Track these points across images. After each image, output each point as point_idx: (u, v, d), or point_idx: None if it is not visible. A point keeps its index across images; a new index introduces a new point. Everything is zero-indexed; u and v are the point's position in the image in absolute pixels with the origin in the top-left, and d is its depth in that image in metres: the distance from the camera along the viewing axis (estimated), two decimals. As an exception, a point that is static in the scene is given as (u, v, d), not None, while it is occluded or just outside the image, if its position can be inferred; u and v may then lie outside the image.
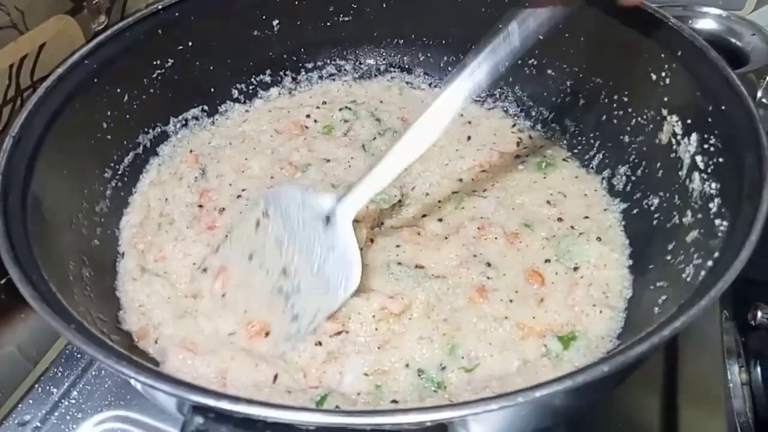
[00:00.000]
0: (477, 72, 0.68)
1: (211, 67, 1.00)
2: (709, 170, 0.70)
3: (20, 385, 0.85)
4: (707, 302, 0.52)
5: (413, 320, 0.74)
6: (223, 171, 0.93)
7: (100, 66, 0.83)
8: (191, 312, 0.76)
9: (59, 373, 0.83)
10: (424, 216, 0.88)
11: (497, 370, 0.69)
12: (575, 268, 0.79)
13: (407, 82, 1.11)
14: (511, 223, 0.85)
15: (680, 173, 0.75)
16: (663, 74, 0.78)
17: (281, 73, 1.08)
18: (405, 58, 1.11)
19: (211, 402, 0.47)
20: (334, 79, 1.11)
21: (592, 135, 0.93)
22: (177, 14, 0.92)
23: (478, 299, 0.75)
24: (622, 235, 0.83)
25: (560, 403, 0.54)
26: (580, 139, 0.95)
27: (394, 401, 0.67)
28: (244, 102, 1.06)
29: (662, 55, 0.77)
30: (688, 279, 0.64)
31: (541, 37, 0.79)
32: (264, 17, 1.01)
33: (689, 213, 0.71)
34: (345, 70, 1.11)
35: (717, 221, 0.65)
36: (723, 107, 0.69)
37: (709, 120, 0.71)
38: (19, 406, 0.81)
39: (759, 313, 0.91)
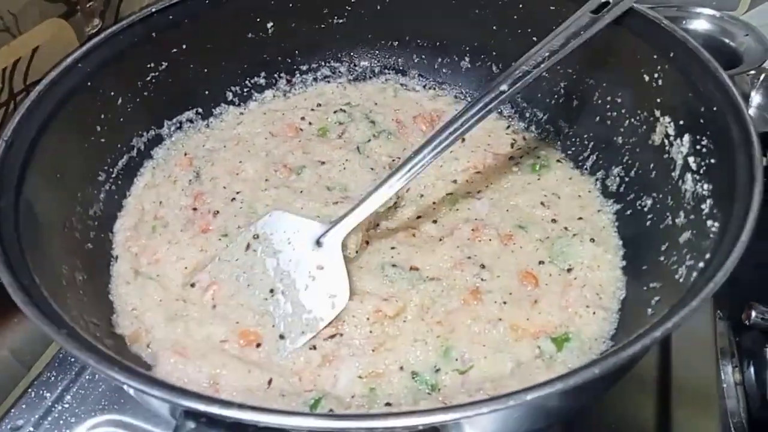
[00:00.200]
0: (470, 122, 0.75)
1: (205, 70, 1.00)
2: (701, 171, 0.71)
3: (13, 390, 0.85)
4: (698, 304, 0.52)
5: (407, 322, 0.74)
6: (218, 174, 0.93)
7: (93, 69, 0.83)
8: (182, 315, 0.76)
9: (53, 378, 0.83)
10: (419, 217, 0.88)
11: (491, 371, 0.69)
12: (569, 270, 0.79)
13: (402, 84, 1.11)
14: (505, 224, 0.85)
15: (673, 174, 0.75)
16: (656, 75, 0.78)
17: (276, 75, 1.08)
18: (399, 59, 1.11)
19: (202, 407, 0.47)
20: (328, 81, 1.11)
21: (585, 136, 0.93)
22: (171, 17, 0.92)
23: (472, 301, 0.76)
24: (615, 236, 0.83)
25: (553, 405, 0.54)
26: (573, 141, 0.95)
27: (388, 404, 0.67)
28: (239, 104, 1.06)
29: (654, 57, 0.78)
30: (681, 280, 0.65)
31: (535, 38, 0.80)
32: (258, 19, 1.01)
33: (682, 214, 0.72)
34: (339, 72, 1.11)
35: (709, 222, 0.65)
36: (715, 108, 0.69)
37: (702, 121, 0.71)
38: (13, 410, 0.80)
39: (753, 313, 0.91)
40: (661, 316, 0.53)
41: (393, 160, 0.97)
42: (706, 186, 0.69)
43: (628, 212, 0.84)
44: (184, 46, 0.95)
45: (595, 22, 0.77)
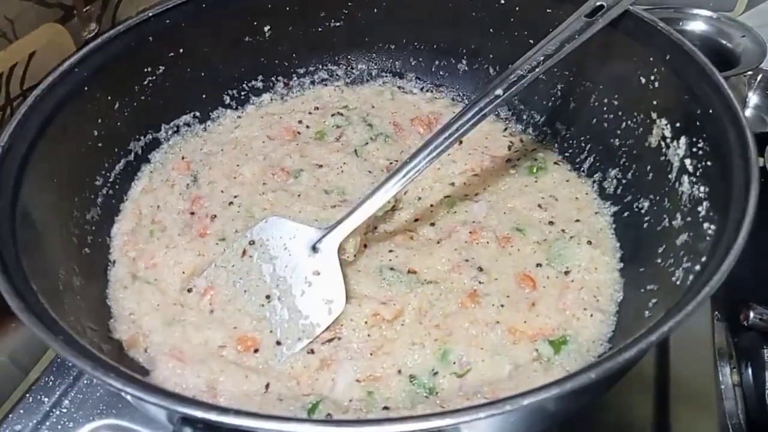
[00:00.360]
0: (466, 126, 0.76)
1: (203, 74, 1.00)
2: (697, 173, 0.71)
3: (11, 395, 0.85)
4: (694, 307, 0.52)
5: (405, 326, 0.74)
6: (215, 178, 0.93)
7: (90, 74, 0.82)
8: (180, 320, 0.76)
9: (51, 383, 0.83)
10: (416, 220, 0.88)
11: (489, 375, 0.69)
12: (566, 272, 0.79)
13: (399, 87, 1.11)
14: (502, 227, 0.85)
15: (670, 176, 0.75)
16: (652, 78, 0.79)
17: (273, 78, 1.08)
18: (396, 62, 1.11)
19: (199, 413, 0.47)
20: (326, 85, 1.11)
21: (582, 138, 0.93)
22: (168, 21, 0.92)
23: (469, 304, 0.76)
24: (612, 238, 0.83)
25: (550, 409, 0.55)
26: (571, 143, 0.95)
27: (386, 408, 0.67)
28: (236, 108, 1.06)
29: (651, 59, 0.78)
30: (678, 282, 0.65)
31: (531, 41, 0.80)
32: (255, 23, 1.01)
33: (679, 216, 0.72)
34: (337, 75, 1.11)
35: (705, 225, 0.65)
36: (711, 111, 0.69)
37: (698, 123, 0.71)
38: (11, 415, 0.80)
39: (751, 314, 0.91)
40: (658, 320, 0.53)
41: (391, 163, 0.97)
42: (702, 188, 0.69)
43: (626, 214, 0.84)
44: (180, 50, 0.95)
45: (590, 26, 0.77)
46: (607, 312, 0.75)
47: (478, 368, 0.69)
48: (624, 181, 0.85)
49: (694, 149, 0.72)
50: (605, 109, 0.88)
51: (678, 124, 0.75)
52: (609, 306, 0.76)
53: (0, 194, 0.67)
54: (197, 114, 1.02)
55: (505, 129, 1.03)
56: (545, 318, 0.74)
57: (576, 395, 0.49)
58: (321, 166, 0.95)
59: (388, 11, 1.04)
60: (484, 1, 0.97)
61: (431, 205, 0.90)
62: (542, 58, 0.77)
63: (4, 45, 0.87)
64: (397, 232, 0.86)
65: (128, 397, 0.56)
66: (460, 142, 0.98)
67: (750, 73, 1.21)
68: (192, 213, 0.89)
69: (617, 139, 0.87)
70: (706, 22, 1.27)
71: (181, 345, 0.72)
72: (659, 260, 0.71)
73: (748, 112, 1.30)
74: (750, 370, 0.86)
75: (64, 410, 0.80)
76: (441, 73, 1.09)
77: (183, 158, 0.97)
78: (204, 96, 1.02)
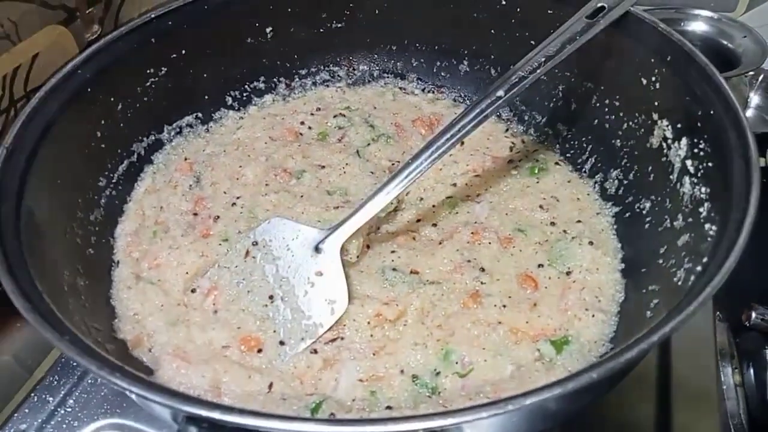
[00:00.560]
0: (467, 127, 0.76)
1: (205, 75, 1.00)
2: (699, 174, 0.71)
3: (16, 395, 0.86)
4: (695, 308, 0.52)
5: (408, 326, 0.74)
6: (218, 178, 0.94)
7: (93, 75, 0.83)
8: (184, 320, 0.76)
9: (55, 382, 0.83)
10: (418, 221, 0.89)
11: (491, 375, 0.69)
12: (568, 273, 0.79)
13: (401, 88, 1.11)
14: (504, 227, 0.85)
15: (671, 177, 0.76)
16: (653, 79, 0.79)
17: (275, 79, 1.09)
18: (398, 63, 1.11)
19: (203, 412, 0.47)
20: (327, 86, 1.11)
21: (584, 139, 0.94)
22: (170, 23, 0.92)
23: (471, 304, 0.76)
24: (614, 238, 0.84)
25: (552, 409, 0.55)
26: (572, 144, 0.96)
27: (389, 407, 0.67)
28: (239, 109, 1.07)
29: (651, 60, 0.78)
30: (679, 283, 0.65)
31: (533, 42, 0.80)
32: (257, 24, 1.02)
33: (680, 217, 0.72)
34: (338, 76, 1.12)
35: (707, 225, 0.65)
36: (712, 112, 0.69)
37: (699, 125, 0.71)
38: (15, 415, 0.81)
39: (753, 314, 0.91)
40: (660, 320, 0.54)
41: (393, 164, 0.97)
42: (703, 189, 0.69)
43: (627, 215, 0.84)
44: (183, 52, 0.95)
45: (591, 27, 0.78)
46: (608, 312, 0.75)
47: (480, 368, 0.70)
48: (625, 182, 0.86)
49: (696, 150, 0.72)
50: (606, 110, 0.89)
51: (679, 125, 0.75)
52: (610, 306, 0.76)
53: (4, 196, 0.67)
54: (200, 115, 1.03)
55: (507, 130, 1.03)
56: (547, 318, 0.74)
57: (578, 395, 0.49)
58: (323, 167, 0.95)
59: (390, 12, 1.05)
60: (486, 3, 0.97)
61: (433, 206, 0.90)
62: (543, 59, 0.77)
63: (8, 47, 0.87)
64: (400, 233, 0.86)
65: (133, 397, 0.56)
66: (462, 143, 0.98)
67: (751, 73, 1.21)
68: (195, 214, 0.89)
69: (618, 140, 0.87)
70: (707, 22, 1.27)
71: (185, 345, 0.73)
72: (661, 261, 0.71)
73: (750, 113, 1.30)
74: (752, 371, 0.86)
75: (69, 409, 0.81)
76: (442, 74, 1.10)
77: (186, 159, 0.98)
78: (206, 97, 1.03)
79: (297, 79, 1.10)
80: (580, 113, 0.94)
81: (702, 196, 0.69)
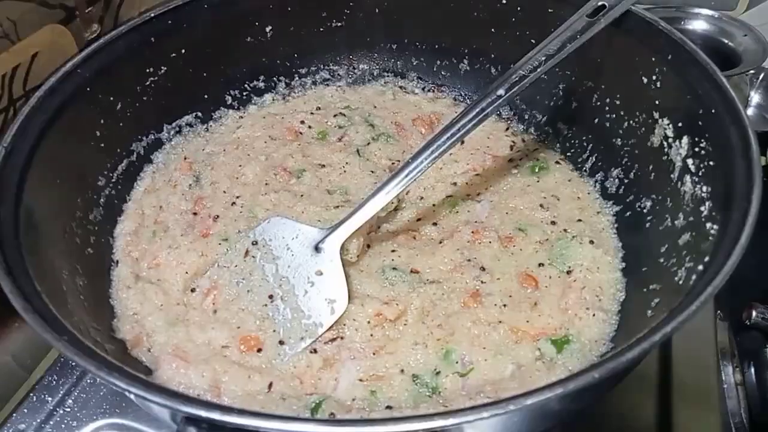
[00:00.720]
0: (467, 126, 0.76)
1: (205, 74, 1.00)
2: (700, 173, 0.71)
3: (15, 394, 0.85)
4: (697, 307, 0.52)
5: (408, 326, 0.74)
6: (218, 178, 0.93)
7: (92, 75, 0.83)
8: (183, 320, 0.76)
9: (54, 382, 0.83)
10: (419, 220, 0.88)
11: (491, 374, 0.69)
12: (568, 272, 0.79)
13: (401, 87, 1.11)
14: (504, 227, 0.85)
15: (672, 176, 0.75)
16: (654, 77, 0.79)
17: (275, 78, 1.08)
18: (398, 62, 1.11)
19: (202, 413, 0.47)
20: (327, 85, 1.11)
21: (584, 138, 0.93)
22: (169, 22, 0.92)
23: (472, 304, 0.76)
24: (615, 237, 0.83)
25: (553, 408, 0.55)
26: (573, 142, 0.95)
27: (389, 407, 0.67)
28: (238, 108, 1.06)
29: (653, 59, 0.78)
30: (680, 282, 0.65)
31: (533, 41, 0.80)
32: (257, 23, 1.02)
33: (681, 216, 0.72)
34: (338, 75, 1.12)
35: (708, 224, 0.65)
36: (713, 111, 0.69)
37: (700, 123, 0.71)
38: (14, 415, 0.81)
39: (753, 313, 0.91)
40: (661, 320, 0.53)
41: (393, 163, 0.97)
42: (705, 188, 0.69)
43: (628, 214, 0.84)
44: (183, 51, 0.95)
45: (592, 25, 0.77)
46: (609, 311, 0.75)
47: (481, 368, 0.69)
48: (626, 181, 0.85)
49: (697, 149, 0.72)
50: (607, 108, 0.88)
51: (680, 124, 0.75)
52: (611, 305, 0.76)
53: (3, 195, 0.67)
54: (199, 114, 1.02)
55: (507, 129, 1.03)
56: (547, 317, 0.74)
57: (579, 395, 0.49)
58: (323, 166, 0.95)
59: (390, 11, 1.05)
60: (486, 1, 0.97)
61: (433, 205, 0.90)
62: (544, 57, 0.77)
63: (7, 46, 0.87)
64: (400, 232, 0.86)
65: (132, 397, 0.56)
66: (462, 142, 0.98)
67: (752, 72, 1.21)
68: (195, 213, 0.89)
69: (619, 139, 0.87)
70: (708, 21, 1.27)
71: (184, 345, 0.72)
72: (662, 260, 0.71)
73: (750, 111, 1.30)
74: (752, 369, 0.86)
75: (68, 409, 0.81)
76: (443, 73, 1.10)
77: (185, 159, 0.97)
78: (206, 96, 1.02)
79: (297, 78, 1.10)
80: (581, 112, 0.93)
81: (703, 194, 0.69)
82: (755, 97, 1.31)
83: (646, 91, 0.80)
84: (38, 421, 0.80)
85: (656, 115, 0.79)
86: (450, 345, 0.71)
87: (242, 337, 0.73)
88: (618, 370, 0.49)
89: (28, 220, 0.68)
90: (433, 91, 1.11)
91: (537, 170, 0.94)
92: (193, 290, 0.79)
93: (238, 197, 0.90)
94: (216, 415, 0.47)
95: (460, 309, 0.75)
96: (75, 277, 0.73)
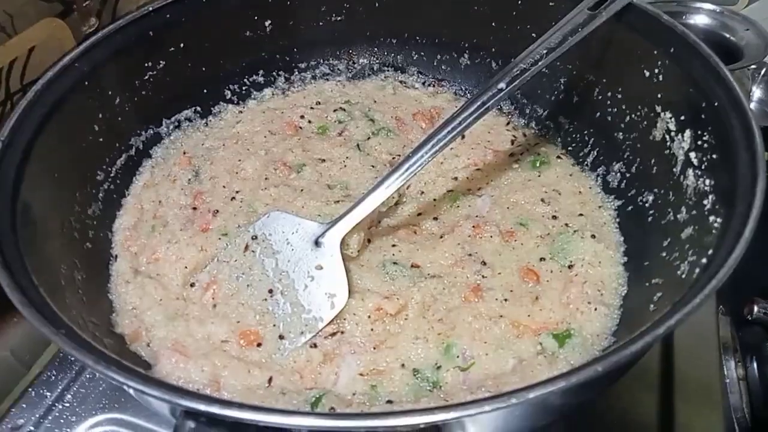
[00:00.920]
0: (468, 120, 0.75)
1: (204, 68, 0.99)
2: (703, 167, 0.70)
3: (14, 390, 0.85)
4: (700, 301, 0.51)
5: (409, 320, 0.74)
6: (217, 173, 0.93)
7: (90, 69, 0.82)
8: (183, 314, 0.75)
9: (53, 377, 0.83)
10: (419, 215, 0.88)
11: (492, 368, 0.69)
12: (570, 266, 0.79)
13: (401, 81, 1.11)
14: (506, 221, 0.85)
15: (674, 170, 0.75)
16: (656, 71, 0.78)
17: (274, 73, 1.08)
18: (398, 57, 1.10)
19: (201, 407, 0.46)
20: (327, 79, 1.11)
21: (586, 132, 0.93)
22: (168, 16, 0.91)
23: (473, 298, 0.75)
24: (616, 232, 0.83)
25: (555, 402, 0.54)
26: (574, 137, 0.95)
27: (390, 401, 0.66)
28: (238, 103, 1.06)
29: (655, 52, 0.77)
30: (683, 276, 0.64)
31: (534, 34, 0.79)
32: (256, 17, 1.01)
33: (684, 210, 0.71)
34: (338, 69, 1.11)
35: (711, 218, 0.65)
36: (716, 104, 0.68)
37: (703, 116, 0.71)
38: (13, 410, 0.80)
39: (755, 308, 0.91)
40: (664, 313, 0.53)
41: (393, 158, 0.96)
42: (708, 182, 0.69)
43: (630, 208, 0.83)
44: (181, 45, 0.94)
45: (593, 19, 0.77)
46: (611, 306, 0.74)
47: (482, 362, 0.69)
48: (628, 175, 0.85)
49: (699, 142, 0.71)
50: (609, 102, 0.88)
51: (683, 117, 0.74)
52: (613, 300, 0.75)
53: (1, 189, 0.66)
54: (198, 109, 1.02)
55: (508, 123, 1.02)
56: (549, 312, 0.74)
57: (581, 389, 0.49)
58: (323, 160, 0.95)
59: (389, 5, 1.04)
60: (486, -6, 0.97)
61: (434, 200, 0.90)
62: (545, 51, 0.76)
63: (4, 40, 0.86)
64: (400, 227, 0.86)
65: (131, 391, 0.56)
66: (463, 137, 0.97)
67: (754, 66, 1.20)
68: (194, 208, 0.88)
69: (621, 133, 0.86)
70: (710, 15, 1.26)
71: (183, 339, 0.72)
72: (664, 254, 0.71)
73: (752, 106, 1.29)
74: (755, 364, 0.85)
75: (67, 404, 0.80)
76: (443, 67, 1.09)
77: (184, 153, 0.97)
78: (205, 91, 1.02)
79: (296, 73, 1.09)
80: (582, 106, 0.93)
81: (706, 188, 0.68)
82: (757, 92, 1.30)
83: (648, 84, 0.79)
84: (37, 416, 0.80)
85: (658, 108, 0.79)
86: (451, 339, 0.71)
87: (242, 332, 0.73)
88: (621, 364, 0.48)
89: (26, 214, 0.68)
90: (434, 85, 1.10)
91: (538, 165, 0.93)
92: (192, 285, 0.79)
93: (237, 192, 0.90)
94: (215, 409, 0.46)
95: (461, 303, 0.75)
96: (73, 271, 0.72)
